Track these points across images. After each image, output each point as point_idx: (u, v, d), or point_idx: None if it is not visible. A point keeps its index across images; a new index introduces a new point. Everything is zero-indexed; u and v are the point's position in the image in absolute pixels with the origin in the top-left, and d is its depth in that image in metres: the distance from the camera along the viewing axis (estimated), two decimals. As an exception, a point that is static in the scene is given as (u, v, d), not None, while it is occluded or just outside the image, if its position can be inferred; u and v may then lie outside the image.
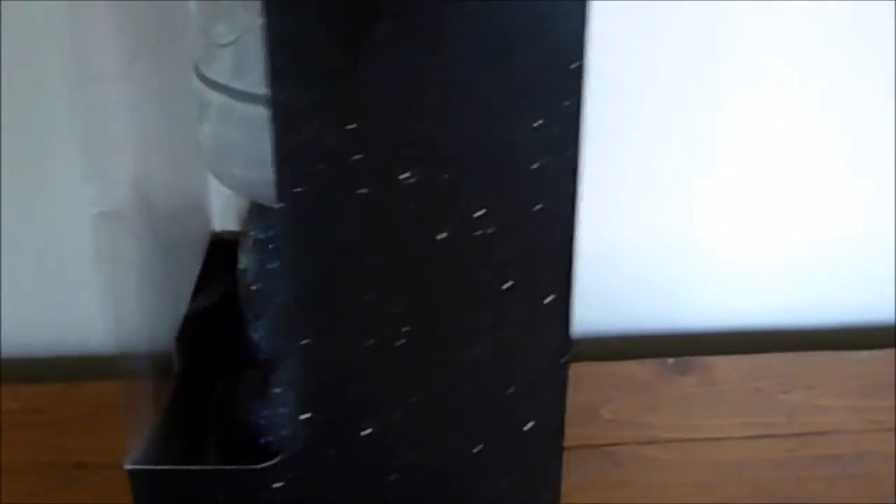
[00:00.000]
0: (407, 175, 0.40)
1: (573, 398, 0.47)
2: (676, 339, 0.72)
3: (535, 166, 0.41)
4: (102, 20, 0.43)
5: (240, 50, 0.43)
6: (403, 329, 0.44)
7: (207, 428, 0.53)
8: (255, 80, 0.40)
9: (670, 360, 0.68)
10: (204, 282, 0.56)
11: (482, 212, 0.42)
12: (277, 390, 0.50)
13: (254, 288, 0.50)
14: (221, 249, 0.57)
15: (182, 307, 0.54)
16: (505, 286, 0.44)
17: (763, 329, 0.74)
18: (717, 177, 0.69)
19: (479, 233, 0.42)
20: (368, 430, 0.46)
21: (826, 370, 0.68)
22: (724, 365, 0.69)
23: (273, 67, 0.38)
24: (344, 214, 0.41)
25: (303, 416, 0.45)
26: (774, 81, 0.67)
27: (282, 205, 0.40)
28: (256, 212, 0.50)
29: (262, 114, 0.39)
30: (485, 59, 0.39)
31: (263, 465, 0.46)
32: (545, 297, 0.44)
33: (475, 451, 0.47)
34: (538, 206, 0.42)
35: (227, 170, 0.47)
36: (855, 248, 0.73)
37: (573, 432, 0.48)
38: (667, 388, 0.67)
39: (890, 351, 0.70)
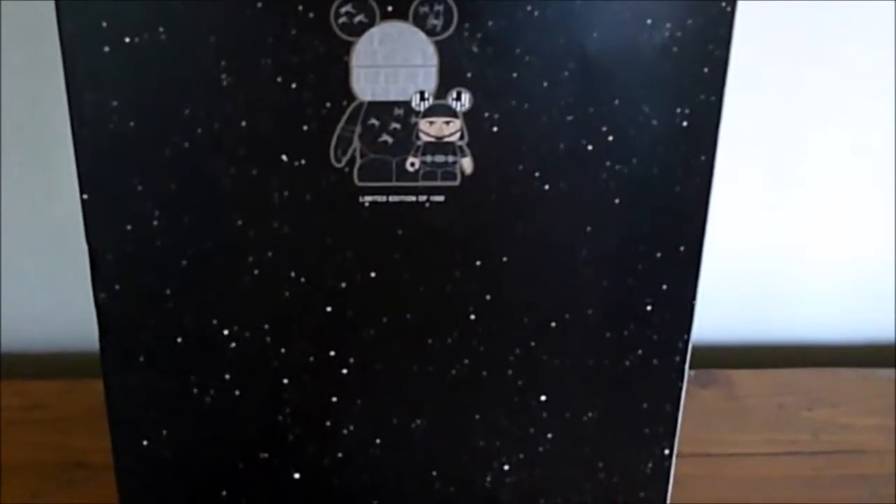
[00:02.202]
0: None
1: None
2: (698, 351, 0.70)
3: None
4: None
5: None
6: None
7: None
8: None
9: (692, 373, 0.66)
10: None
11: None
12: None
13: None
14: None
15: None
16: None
17: (786, 344, 0.71)
18: (739, 187, 0.67)
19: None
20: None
21: (851, 388, 0.66)
22: (746, 379, 0.66)
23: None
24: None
25: None
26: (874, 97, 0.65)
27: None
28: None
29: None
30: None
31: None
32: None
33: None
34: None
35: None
36: (884, 264, 0.70)
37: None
38: (687, 401, 0.64)
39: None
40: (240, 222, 0.44)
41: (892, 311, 0.71)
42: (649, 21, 0.41)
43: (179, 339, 0.46)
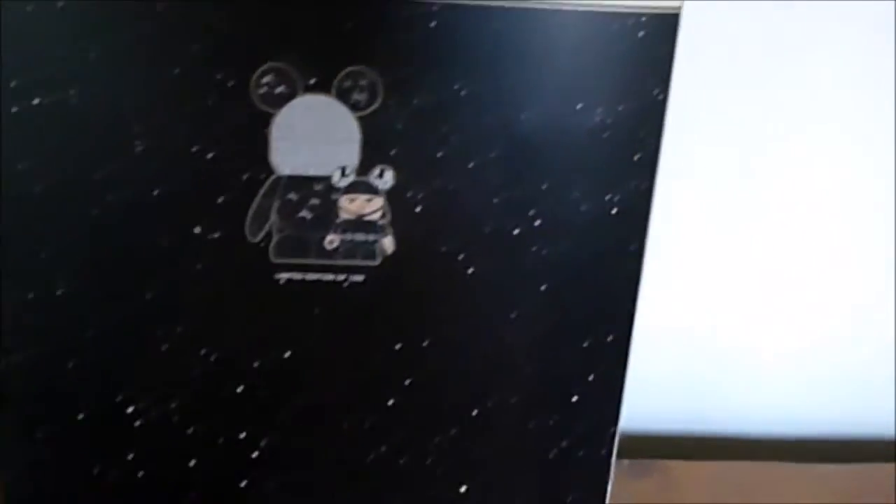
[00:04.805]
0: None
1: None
2: (634, 440, 0.68)
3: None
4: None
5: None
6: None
7: None
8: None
9: (626, 462, 0.64)
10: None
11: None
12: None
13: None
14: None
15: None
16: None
17: (724, 435, 0.70)
18: (676, 272, 0.66)
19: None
20: None
21: (788, 482, 0.64)
22: (682, 470, 0.65)
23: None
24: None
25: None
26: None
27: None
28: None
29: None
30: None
31: None
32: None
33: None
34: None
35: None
36: (822, 358, 0.69)
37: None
38: (622, 490, 0.63)
39: (856, 466, 0.65)
40: (149, 295, 0.42)
41: (829, 405, 0.70)
42: (580, 105, 0.40)
43: (81, 415, 0.44)
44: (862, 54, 0.61)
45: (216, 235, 0.41)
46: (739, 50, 0.61)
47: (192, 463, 0.45)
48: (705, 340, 0.69)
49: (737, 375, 0.70)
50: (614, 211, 0.42)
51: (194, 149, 0.39)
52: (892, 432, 0.71)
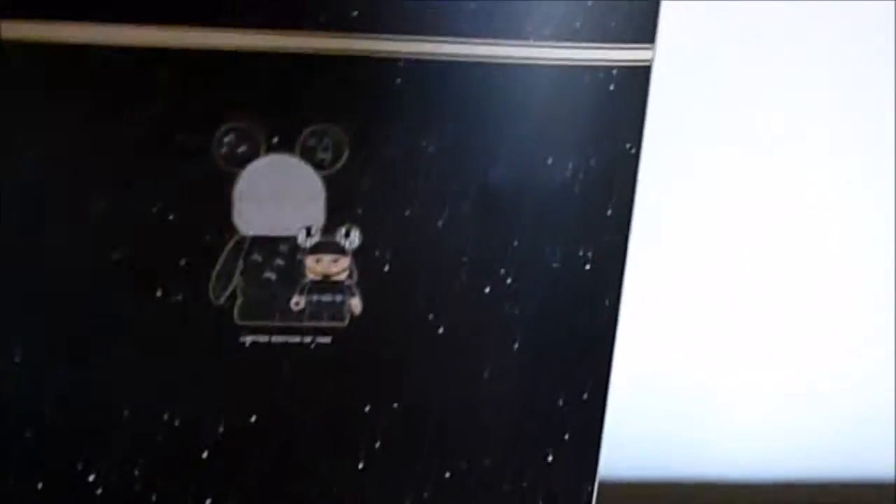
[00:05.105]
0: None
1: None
2: (613, 488, 0.67)
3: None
4: None
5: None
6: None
7: None
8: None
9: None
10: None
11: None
12: None
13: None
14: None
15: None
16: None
17: (708, 481, 0.69)
18: (656, 317, 0.65)
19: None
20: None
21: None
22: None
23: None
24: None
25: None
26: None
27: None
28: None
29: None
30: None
31: None
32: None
33: None
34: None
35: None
36: (804, 403, 0.68)
37: None
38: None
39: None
40: (110, 359, 0.40)
41: (822, 447, 0.70)
42: (550, 160, 0.39)
43: (40, 485, 0.42)
44: (862, 54, 0.61)
45: (178, 298, 0.39)
46: (738, 50, 0.60)
47: (156, 532, 0.43)
48: (688, 383, 0.68)
49: (723, 418, 0.69)
50: (588, 266, 0.41)
51: (154, 210, 0.38)
52: (892, 474, 0.71)
